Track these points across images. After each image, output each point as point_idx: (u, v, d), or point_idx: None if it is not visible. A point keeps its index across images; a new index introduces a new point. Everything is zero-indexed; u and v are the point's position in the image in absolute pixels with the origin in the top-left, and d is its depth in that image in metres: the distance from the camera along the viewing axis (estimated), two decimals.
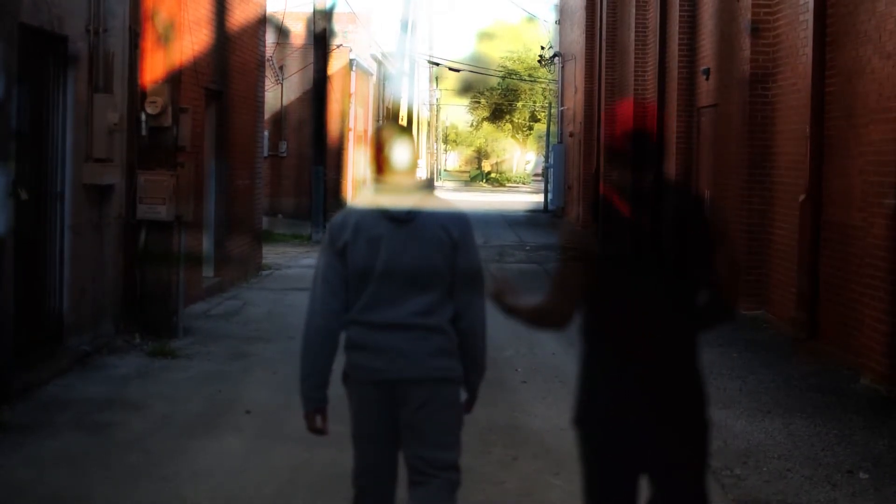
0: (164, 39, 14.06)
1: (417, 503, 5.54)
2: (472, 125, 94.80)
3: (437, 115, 79.64)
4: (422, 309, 5.48)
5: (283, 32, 34.58)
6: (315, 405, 5.61)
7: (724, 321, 5.11)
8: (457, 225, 5.59)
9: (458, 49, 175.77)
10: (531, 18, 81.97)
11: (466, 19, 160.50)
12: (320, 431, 5.66)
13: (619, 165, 4.95)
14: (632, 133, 4.94)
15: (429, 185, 5.79)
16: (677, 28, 22.33)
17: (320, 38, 31.72)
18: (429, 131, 78.25)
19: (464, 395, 5.71)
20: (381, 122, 49.84)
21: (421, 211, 5.55)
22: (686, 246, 4.86)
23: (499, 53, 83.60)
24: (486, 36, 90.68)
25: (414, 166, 5.73)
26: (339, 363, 5.61)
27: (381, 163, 5.64)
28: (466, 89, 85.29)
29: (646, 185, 4.89)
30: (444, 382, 5.53)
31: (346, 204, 38.88)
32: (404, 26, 46.49)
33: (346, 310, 5.54)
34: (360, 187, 43.88)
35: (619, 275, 4.82)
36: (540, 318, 5.05)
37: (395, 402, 5.50)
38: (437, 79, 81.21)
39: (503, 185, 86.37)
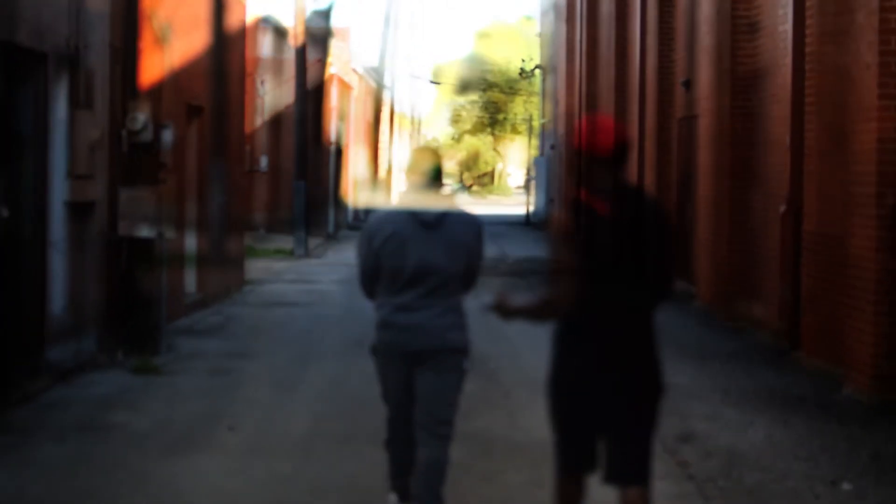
0: (153, 49, 14.05)
1: (422, 474, 6.99)
2: (453, 138, 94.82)
3: (418, 128, 79.68)
4: (441, 293, 6.92)
5: (278, 37, 34.58)
6: None
7: (664, 299, 5.92)
8: (472, 231, 7.07)
9: (456, 50, 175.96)
10: (529, 18, 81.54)
11: (464, 19, 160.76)
12: None
13: (601, 170, 5.74)
14: (614, 142, 5.75)
15: (452, 197, 7.26)
16: (656, 40, 22.41)
17: (301, 55, 31.72)
18: (410, 143, 78.15)
19: (468, 363, 7.10)
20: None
21: (445, 218, 6.95)
22: (648, 239, 5.75)
23: (496, 53, 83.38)
24: (484, 36, 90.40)
25: (440, 181, 7.11)
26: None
27: (413, 177, 7.08)
28: (464, 88, 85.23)
29: (620, 188, 5.78)
30: (456, 352, 7.01)
31: (329, 217, 38.31)
32: (385, 41, 46.57)
33: (376, 284, 7.05)
34: (341, 200, 43.88)
35: (594, 262, 5.66)
36: (547, 310, 5.86)
37: (416, 366, 6.96)
38: (433, 82, 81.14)
39: (484, 198, 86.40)
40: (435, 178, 7.10)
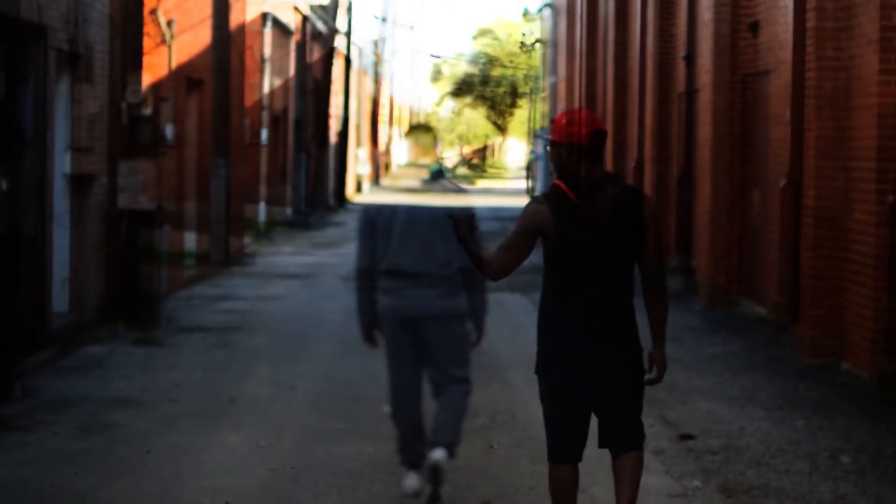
0: (152, 22, 14.03)
1: (441, 405, 7.38)
2: (453, 111, 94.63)
3: (417, 109, 79.54)
4: (433, 262, 7.33)
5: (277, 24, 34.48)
6: (368, 324, 7.57)
7: (662, 279, 6.18)
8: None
9: (458, 46, 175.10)
10: (526, 13, 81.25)
11: (467, 17, 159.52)
12: (374, 343, 7.61)
13: (576, 160, 6.02)
14: (588, 133, 6.07)
15: (441, 173, 7.75)
16: (657, 14, 22.33)
17: (302, 37, 31.66)
18: (410, 119, 78.14)
19: (468, 325, 7.49)
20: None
21: (433, 191, 7.52)
22: (626, 226, 5.98)
23: (497, 40, 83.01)
24: (485, 32, 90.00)
25: (431, 159, 7.68)
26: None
27: (406, 155, 7.58)
28: (464, 87, 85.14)
29: (596, 176, 6.03)
30: (452, 317, 7.41)
31: (328, 190, 38.14)
32: (384, 18, 46.42)
33: (376, 258, 7.40)
34: (345, 175, 43.86)
35: (572, 250, 5.96)
36: (480, 265, 6.12)
37: (417, 333, 7.36)
38: (434, 56, 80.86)
39: (485, 173, 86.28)
40: (424, 157, 7.66)
